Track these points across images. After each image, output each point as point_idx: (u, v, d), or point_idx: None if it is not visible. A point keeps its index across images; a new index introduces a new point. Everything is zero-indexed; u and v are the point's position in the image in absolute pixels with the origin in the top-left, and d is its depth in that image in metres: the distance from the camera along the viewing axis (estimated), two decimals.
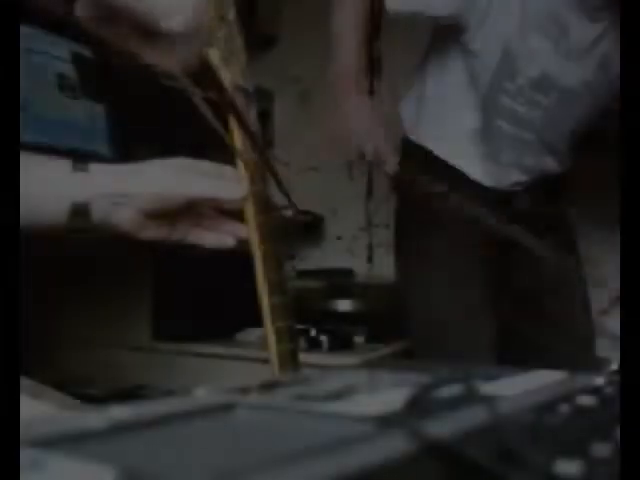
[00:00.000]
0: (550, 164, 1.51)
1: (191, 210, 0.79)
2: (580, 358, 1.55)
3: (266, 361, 0.78)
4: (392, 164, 1.42)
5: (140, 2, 0.58)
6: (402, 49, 2.32)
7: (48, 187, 0.71)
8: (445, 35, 1.42)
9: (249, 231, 0.78)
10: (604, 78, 1.37)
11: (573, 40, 1.33)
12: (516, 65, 1.36)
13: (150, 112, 1.79)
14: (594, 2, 1.30)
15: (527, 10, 1.30)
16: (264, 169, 0.80)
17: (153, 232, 0.76)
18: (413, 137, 1.52)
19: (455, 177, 1.49)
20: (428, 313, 1.52)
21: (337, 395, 0.35)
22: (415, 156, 1.54)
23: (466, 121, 1.44)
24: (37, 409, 0.67)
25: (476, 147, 1.45)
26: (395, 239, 1.58)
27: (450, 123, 1.45)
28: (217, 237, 0.80)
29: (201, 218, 0.80)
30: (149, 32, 0.60)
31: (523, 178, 1.49)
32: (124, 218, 0.73)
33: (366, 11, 1.49)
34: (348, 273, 2.34)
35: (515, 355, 1.60)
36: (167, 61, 0.63)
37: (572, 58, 1.35)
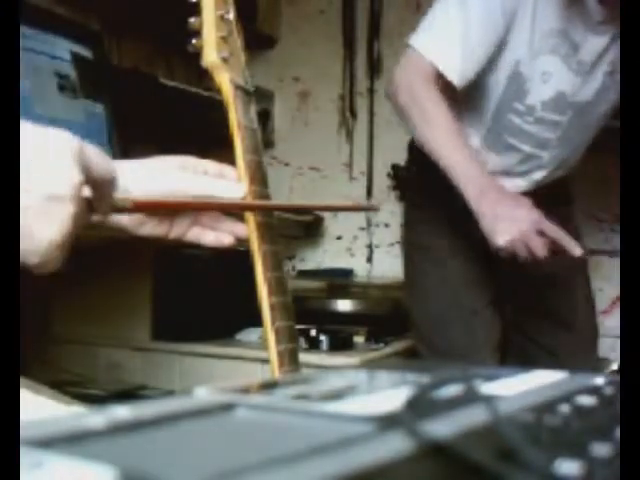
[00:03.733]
0: (559, 174, 1.50)
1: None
2: (582, 358, 1.55)
3: (266, 361, 0.78)
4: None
5: None
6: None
7: None
8: None
9: (249, 231, 0.78)
10: (613, 82, 1.37)
11: (582, 56, 1.34)
12: (525, 87, 1.36)
13: (150, 112, 1.79)
14: (597, 17, 1.30)
15: (536, 32, 1.30)
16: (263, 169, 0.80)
17: (152, 229, 0.76)
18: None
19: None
20: (430, 312, 1.52)
21: (337, 395, 0.35)
22: (418, 158, 1.54)
23: (474, 138, 1.43)
24: (37, 403, 0.67)
25: (485, 160, 1.42)
26: (401, 237, 1.58)
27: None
28: (216, 236, 0.80)
29: (200, 217, 0.80)
30: None
31: (529, 188, 1.47)
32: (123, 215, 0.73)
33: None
34: (348, 273, 2.34)
35: (517, 356, 1.60)
36: None
37: (582, 73, 1.36)
